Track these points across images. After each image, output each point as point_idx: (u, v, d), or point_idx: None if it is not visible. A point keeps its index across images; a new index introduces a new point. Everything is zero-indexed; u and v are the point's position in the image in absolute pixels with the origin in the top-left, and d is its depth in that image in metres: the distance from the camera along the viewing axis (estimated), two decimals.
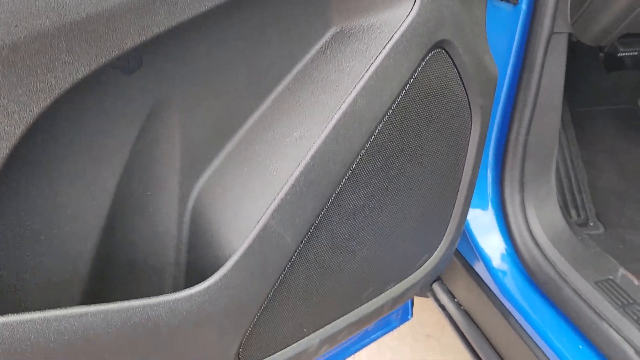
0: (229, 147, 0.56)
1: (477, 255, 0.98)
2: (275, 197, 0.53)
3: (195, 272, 0.57)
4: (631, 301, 0.84)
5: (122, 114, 0.50)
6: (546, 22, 0.86)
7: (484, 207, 0.97)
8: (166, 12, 0.42)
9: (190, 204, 0.56)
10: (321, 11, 0.57)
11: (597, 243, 1.09)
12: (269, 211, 0.53)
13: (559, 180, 1.01)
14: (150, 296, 0.49)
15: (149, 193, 0.54)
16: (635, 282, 0.89)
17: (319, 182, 0.56)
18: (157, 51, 0.49)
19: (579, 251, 0.94)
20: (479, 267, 0.98)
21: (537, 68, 0.89)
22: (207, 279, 0.52)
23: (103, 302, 0.47)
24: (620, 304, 0.83)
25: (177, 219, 0.56)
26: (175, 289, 0.54)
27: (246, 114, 0.56)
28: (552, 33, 0.87)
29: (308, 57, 0.57)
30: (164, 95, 0.51)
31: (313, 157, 0.54)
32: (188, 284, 0.53)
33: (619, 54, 0.93)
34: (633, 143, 1.36)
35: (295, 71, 0.57)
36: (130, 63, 0.48)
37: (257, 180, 0.55)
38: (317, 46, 0.58)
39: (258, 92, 0.56)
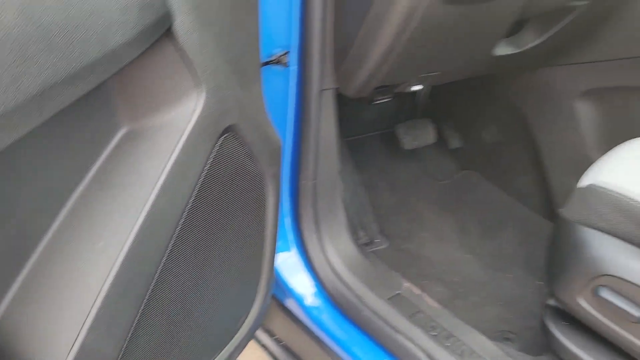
0: (26, 271, 0.52)
1: (289, 294, 1.05)
2: (89, 314, 0.52)
3: None
4: (416, 310, 1.00)
5: None
6: (314, 81, 0.97)
7: (287, 250, 1.05)
8: None
9: None
10: (108, 113, 0.57)
11: (384, 257, 1.27)
12: (84, 330, 0.51)
13: (347, 208, 1.15)
14: None
15: None
16: (416, 292, 1.07)
17: (133, 286, 0.56)
18: None
19: (370, 273, 1.08)
20: (292, 305, 1.06)
21: (313, 121, 1.00)
22: None
23: None
24: (408, 314, 0.99)
25: None
26: None
27: (41, 231, 0.53)
28: (321, 90, 0.98)
29: (100, 161, 0.57)
30: None
31: (122, 264, 0.54)
32: None
33: (375, 102, 1.11)
34: (397, 162, 1.60)
35: (88, 179, 0.56)
36: None
37: (67, 299, 0.52)
38: (109, 149, 0.57)
39: (51, 207, 0.54)
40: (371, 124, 1.62)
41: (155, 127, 0.59)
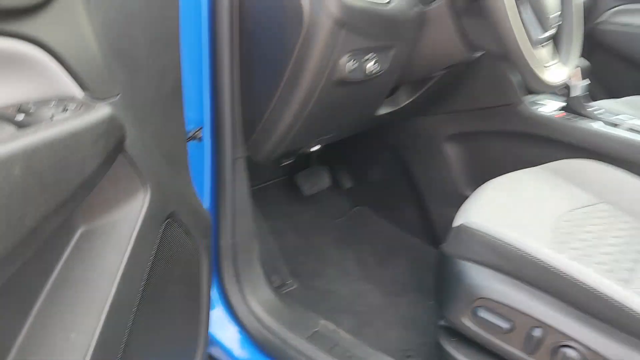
0: None
1: (220, 348, 1.15)
2: None
3: None
4: (334, 344, 1.14)
5: None
6: (227, 151, 1.09)
7: (213, 308, 1.14)
8: None
9: None
10: (67, 217, 0.64)
11: (297, 297, 1.40)
12: None
13: (261, 256, 1.26)
14: None
15: None
16: (331, 327, 1.21)
17: None
18: None
19: (289, 315, 1.20)
20: (225, 358, 1.15)
21: (228, 187, 1.11)
22: None
23: None
24: (327, 349, 1.13)
25: None
26: None
27: (16, 331, 0.59)
28: (234, 159, 1.10)
29: (62, 261, 0.64)
30: None
31: (94, 350, 0.62)
32: None
33: (282, 164, 1.25)
34: (297, 206, 1.75)
35: (53, 278, 0.63)
36: None
37: None
38: (69, 249, 0.65)
39: (23, 308, 0.60)
40: (272, 173, 1.76)
41: (110, 224, 0.67)
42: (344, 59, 0.96)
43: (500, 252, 0.95)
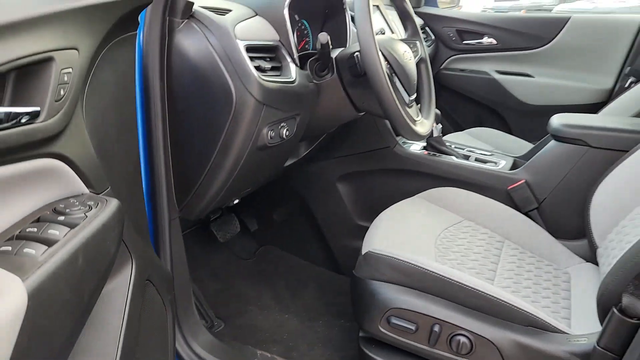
0: None
1: None
2: None
3: None
4: None
5: None
6: (164, 214, 1.23)
7: None
8: None
9: None
10: None
11: (227, 336, 1.55)
12: None
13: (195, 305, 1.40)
14: None
15: None
16: (268, 355, 1.39)
17: None
18: None
19: (230, 352, 1.35)
20: None
21: (166, 244, 1.25)
22: None
23: None
24: None
25: None
26: None
27: None
28: (170, 220, 1.25)
29: None
30: None
31: None
32: None
33: (210, 220, 1.42)
34: (212, 252, 1.90)
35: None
36: None
37: None
38: None
39: None
40: (187, 223, 1.89)
41: (108, 292, 0.81)
42: (265, 129, 1.17)
43: (402, 270, 1.22)
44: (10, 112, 0.56)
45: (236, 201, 1.44)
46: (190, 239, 1.86)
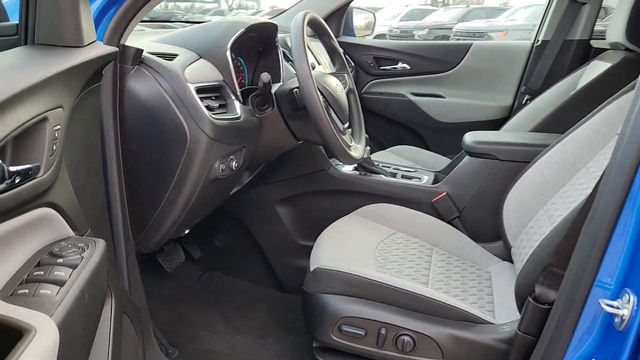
0: None
1: None
2: None
3: None
4: None
5: None
6: (122, 249, 1.29)
7: None
8: None
9: None
10: None
11: None
12: None
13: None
14: None
15: None
16: None
17: None
18: None
19: None
20: None
21: (125, 280, 1.31)
22: None
23: None
24: None
25: None
26: None
27: None
28: (127, 254, 1.31)
29: None
30: None
31: None
32: None
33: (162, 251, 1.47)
34: (158, 282, 1.94)
35: None
36: None
37: None
38: None
39: None
40: None
41: None
42: (217, 163, 1.27)
43: (349, 282, 1.35)
44: (21, 170, 0.63)
45: (187, 231, 1.51)
46: (139, 271, 1.89)
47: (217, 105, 1.30)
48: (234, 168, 1.35)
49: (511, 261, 1.67)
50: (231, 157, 1.34)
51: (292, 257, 1.96)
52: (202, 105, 1.21)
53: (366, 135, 1.79)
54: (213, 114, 1.24)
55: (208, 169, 1.25)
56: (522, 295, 1.24)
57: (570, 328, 1.04)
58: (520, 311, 1.28)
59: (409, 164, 2.17)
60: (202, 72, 1.31)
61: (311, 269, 1.43)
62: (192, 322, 1.83)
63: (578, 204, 1.24)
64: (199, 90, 1.24)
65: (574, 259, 1.08)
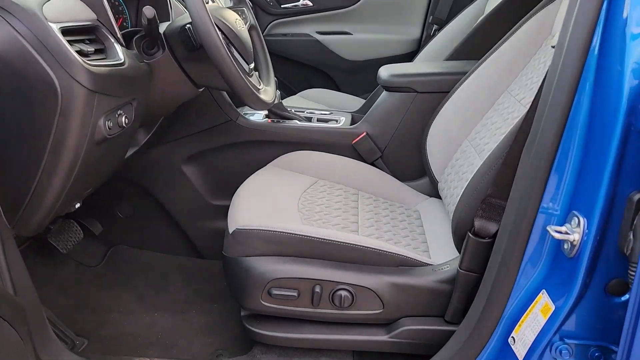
0: None
1: None
2: None
3: None
4: None
5: None
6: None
7: None
8: None
9: None
10: None
11: (95, 352, 1.41)
12: None
13: None
14: None
15: None
16: None
17: None
18: None
19: None
20: None
21: (5, 272, 1.07)
22: None
23: None
24: None
25: None
26: None
27: None
28: (3, 240, 1.07)
29: None
30: None
31: None
32: None
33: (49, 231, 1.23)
34: (55, 265, 1.69)
35: None
36: None
37: None
38: None
39: None
40: (18, 239, 1.64)
41: None
42: (102, 120, 1.05)
43: (273, 240, 1.21)
44: None
45: (78, 205, 1.28)
46: (29, 254, 1.63)
47: (93, 50, 1.06)
48: (124, 125, 1.13)
49: (438, 197, 1.60)
50: (119, 112, 1.12)
51: (206, 220, 1.78)
52: (71, 49, 0.97)
53: (275, 79, 1.61)
54: (88, 60, 1.01)
55: (91, 128, 1.03)
56: (461, 232, 1.16)
57: (517, 260, 0.98)
58: (458, 250, 1.21)
59: (322, 107, 2.03)
60: (67, 11, 1.06)
61: (230, 231, 1.27)
62: (101, 306, 1.62)
63: (509, 130, 1.17)
64: (66, 32, 1.00)
65: (515, 187, 1.00)
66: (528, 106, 1.08)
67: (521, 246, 0.97)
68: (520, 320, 0.99)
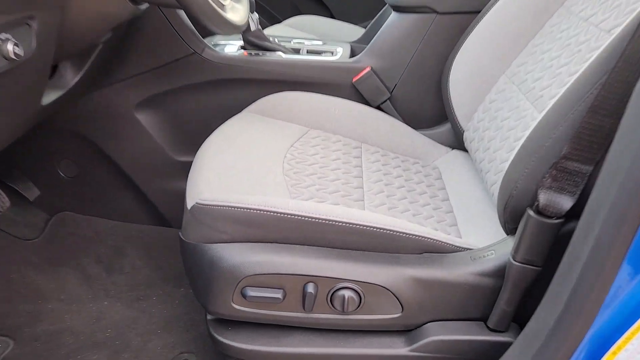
0: None
1: None
2: None
3: None
4: None
5: None
6: None
7: None
8: None
9: None
10: None
11: (22, 358, 1.09)
12: None
13: None
14: None
15: None
16: None
17: None
18: None
19: None
20: None
21: None
22: None
23: None
24: None
25: None
26: None
27: None
28: None
29: None
30: None
31: None
32: None
33: None
34: None
35: None
36: None
37: None
38: None
39: None
40: None
41: None
42: None
43: (248, 221, 0.85)
44: None
45: None
46: None
47: None
48: (14, 56, 0.74)
49: (462, 149, 1.25)
50: (5, 35, 0.73)
51: (170, 179, 1.42)
52: None
53: None
54: None
55: None
56: (516, 207, 0.81)
57: (618, 254, 0.63)
58: (507, 229, 0.87)
59: (314, 37, 1.64)
60: None
61: (188, 207, 0.91)
62: (35, 294, 1.28)
63: (590, 61, 0.79)
64: None
65: (617, 146, 0.64)
66: (613, 31, 0.71)
67: (627, 234, 0.62)
68: (619, 342, 0.66)
